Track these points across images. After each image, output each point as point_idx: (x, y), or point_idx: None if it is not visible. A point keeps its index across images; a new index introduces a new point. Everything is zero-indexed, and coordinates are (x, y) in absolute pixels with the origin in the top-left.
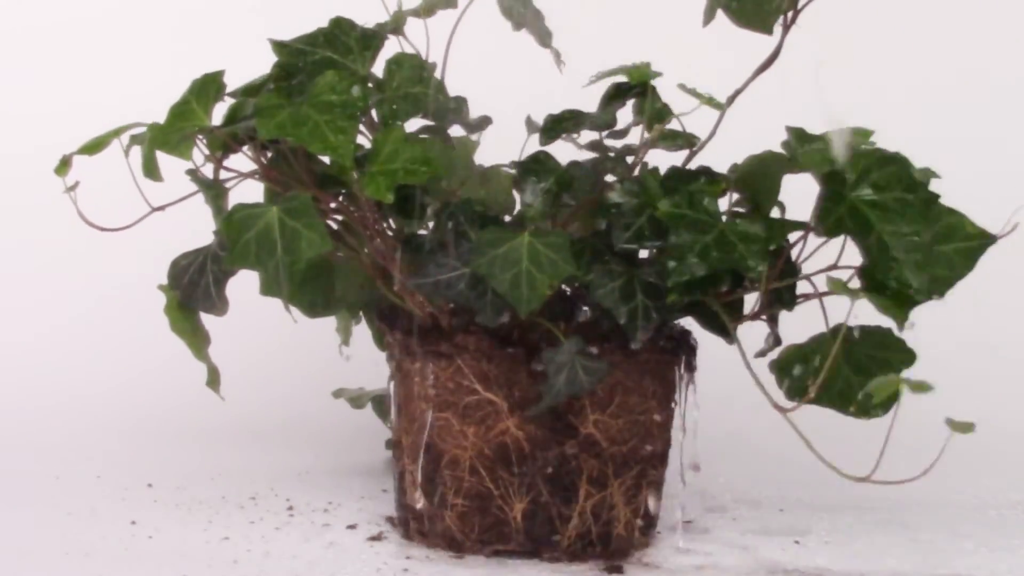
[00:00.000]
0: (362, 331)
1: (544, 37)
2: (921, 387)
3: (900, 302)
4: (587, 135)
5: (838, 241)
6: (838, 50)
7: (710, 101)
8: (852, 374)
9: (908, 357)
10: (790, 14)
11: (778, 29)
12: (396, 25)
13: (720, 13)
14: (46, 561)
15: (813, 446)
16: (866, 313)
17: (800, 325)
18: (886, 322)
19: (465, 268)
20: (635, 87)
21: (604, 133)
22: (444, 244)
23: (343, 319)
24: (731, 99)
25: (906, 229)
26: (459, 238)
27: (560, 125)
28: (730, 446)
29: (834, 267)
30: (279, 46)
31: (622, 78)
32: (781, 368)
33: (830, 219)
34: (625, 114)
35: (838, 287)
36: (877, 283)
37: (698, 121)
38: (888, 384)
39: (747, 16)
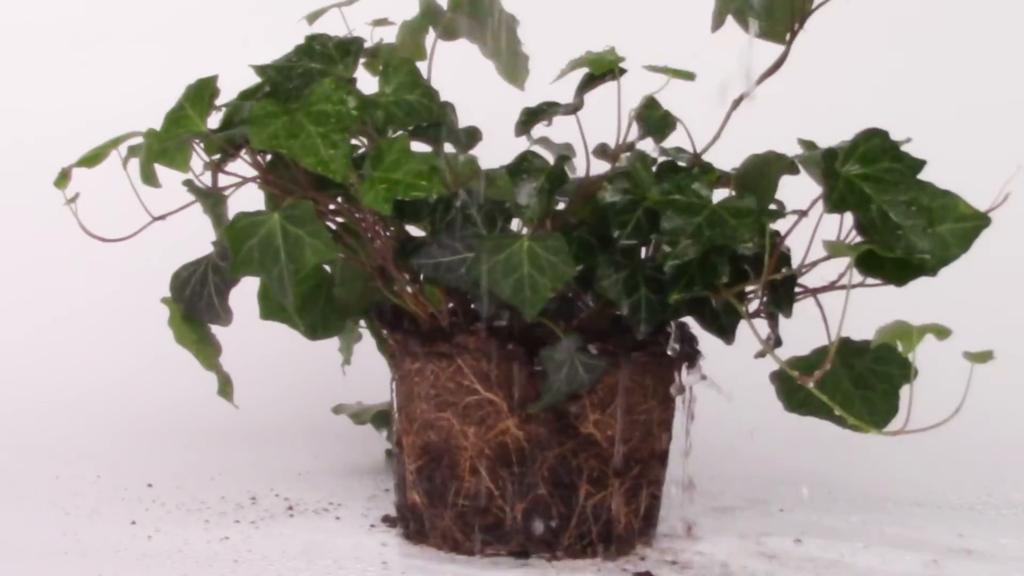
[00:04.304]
0: (360, 347)
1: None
2: (941, 332)
3: (901, 274)
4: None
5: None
6: (840, 52)
7: (679, 74)
8: (852, 387)
9: (908, 372)
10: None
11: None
12: (374, 52)
13: (729, 19)
14: (46, 561)
15: (822, 423)
16: (866, 324)
17: (799, 331)
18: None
19: (468, 253)
20: (604, 75)
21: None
22: (451, 225)
23: (344, 338)
24: (736, 102)
25: (902, 197)
26: (464, 222)
27: (535, 117)
28: (731, 446)
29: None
30: (261, 70)
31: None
32: (781, 379)
33: (834, 195)
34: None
35: (837, 248)
36: (875, 261)
37: (703, 125)
38: (903, 331)
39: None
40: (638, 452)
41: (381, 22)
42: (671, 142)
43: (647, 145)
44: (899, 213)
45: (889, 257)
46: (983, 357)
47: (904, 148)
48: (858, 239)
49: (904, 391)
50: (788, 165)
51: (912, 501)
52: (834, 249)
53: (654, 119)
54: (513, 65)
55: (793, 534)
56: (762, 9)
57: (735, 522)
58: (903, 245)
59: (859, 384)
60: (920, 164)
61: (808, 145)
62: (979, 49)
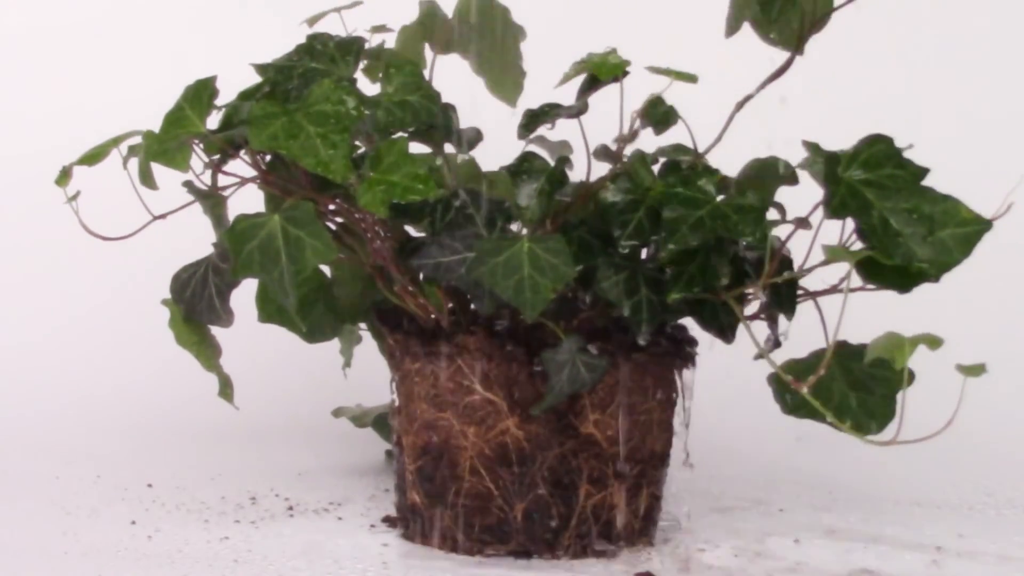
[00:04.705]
0: (360, 349)
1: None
2: (933, 342)
3: (902, 281)
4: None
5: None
6: (843, 54)
7: (681, 76)
8: (848, 390)
9: (904, 376)
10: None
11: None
12: (376, 54)
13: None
14: (45, 561)
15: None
16: (866, 327)
17: (798, 333)
18: None
19: (468, 253)
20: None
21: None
22: (451, 225)
23: (345, 340)
24: (740, 105)
25: (904, 204)
26: (465, 222)
27: (538, 119)
28: (731, 446)
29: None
30: (261, 69)
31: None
32: (779, 381)
33: (835, 200)
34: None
35: (836, 253)
36: (876, 267)
37: (706, 127)
38: (895, 344)
39: (773, 31)
40: (638, 452)
41: (380, 28)
42: (672, 141)
43: (647, 142)
44: (900, 220)
45: (889, 264)
46: (976, 370)
47: (907, 154)
48: (858, 244)
49: (901, 395)
50: (788, 174)
51: (912, 501)
52: (833, 254)
53: (657, 114)
54: (507, 80)
55: (793, 534)
56: (774, 16)
57: (735, 522)
58: (902, 252)
59: (856, 387)
60: (923, 172)
61: (813, 148)
62: (984, 53)
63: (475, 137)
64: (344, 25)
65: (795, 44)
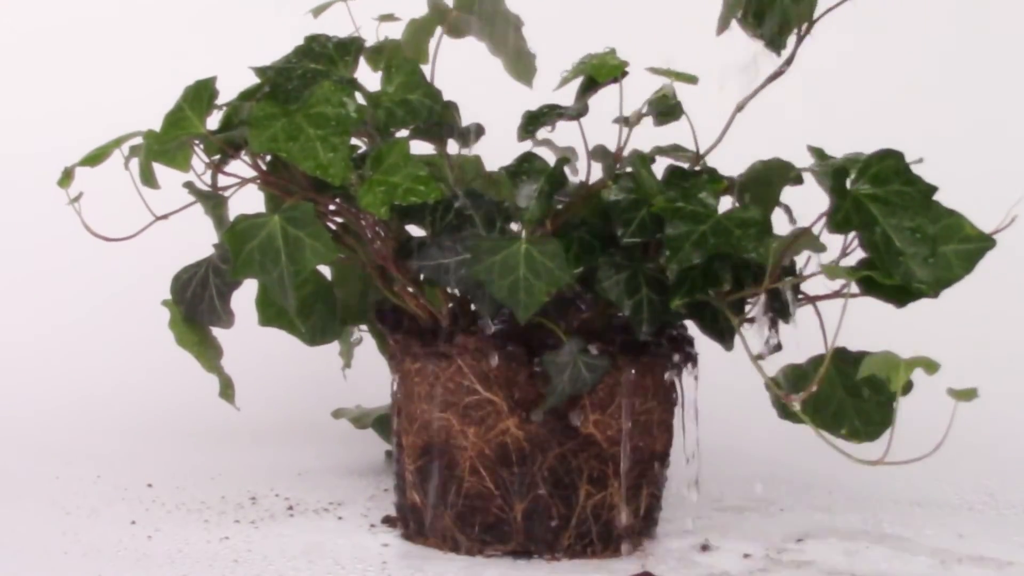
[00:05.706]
0: (360, 349)
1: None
2: (930, 366)
3: (900, 296)
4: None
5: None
6: (846, 57)
7: (681, 76)
8: (846, 396)
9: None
10: (804, 24)
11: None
12: (379, 48)
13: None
14: (45, 561)
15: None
16: (864, 335)
17: (799, 338)
18: (884, 345)
19: (468, 254)
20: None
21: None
22: (451, 227)
23: (345, 342)
24: (740, 106)
25: (909, 223)
26: (463, 223)
27: (537, 121)
28: (732, 446)
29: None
30: (260, 72)
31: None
32: (778, 386)
33: (839, 214)
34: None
35: (834, 272)
36: (875, 283)
37: (708, 128)
38: (891, 364)
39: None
40: (638, 452)
41: (387, 17)
42: (671, 141)
43: (645, 141)
44: (903, 239)
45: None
46: (967, 395)
47: (916, 168)
48: (860, 253)
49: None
50: (793, 176)
51: (912, 501)
52: (832, 273)
53: (666, 105)
54: (520, 64)
55: (793, 534)
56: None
57: (736, 522)
58: (902, 272)
59: (853, 393)
60: (932, 190)
61: (817, 153)
62: (991, 57)
63: (477, 131)
64: (351, 16)
65: (784, 45)
